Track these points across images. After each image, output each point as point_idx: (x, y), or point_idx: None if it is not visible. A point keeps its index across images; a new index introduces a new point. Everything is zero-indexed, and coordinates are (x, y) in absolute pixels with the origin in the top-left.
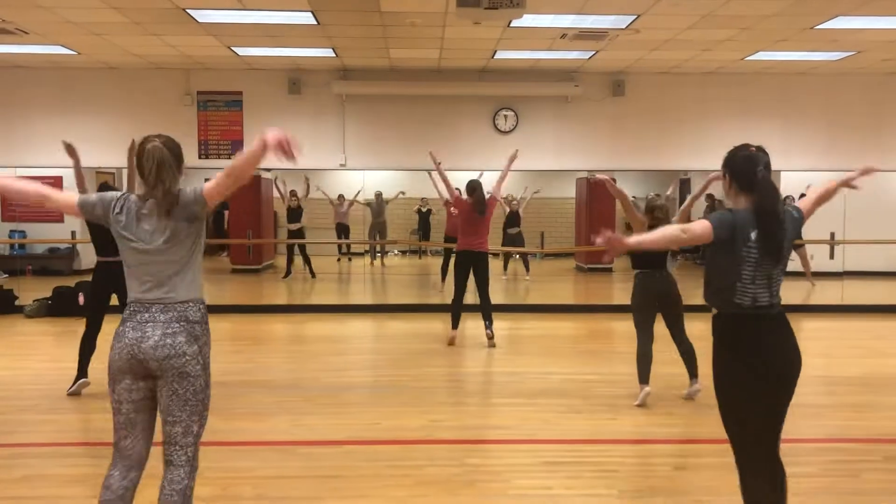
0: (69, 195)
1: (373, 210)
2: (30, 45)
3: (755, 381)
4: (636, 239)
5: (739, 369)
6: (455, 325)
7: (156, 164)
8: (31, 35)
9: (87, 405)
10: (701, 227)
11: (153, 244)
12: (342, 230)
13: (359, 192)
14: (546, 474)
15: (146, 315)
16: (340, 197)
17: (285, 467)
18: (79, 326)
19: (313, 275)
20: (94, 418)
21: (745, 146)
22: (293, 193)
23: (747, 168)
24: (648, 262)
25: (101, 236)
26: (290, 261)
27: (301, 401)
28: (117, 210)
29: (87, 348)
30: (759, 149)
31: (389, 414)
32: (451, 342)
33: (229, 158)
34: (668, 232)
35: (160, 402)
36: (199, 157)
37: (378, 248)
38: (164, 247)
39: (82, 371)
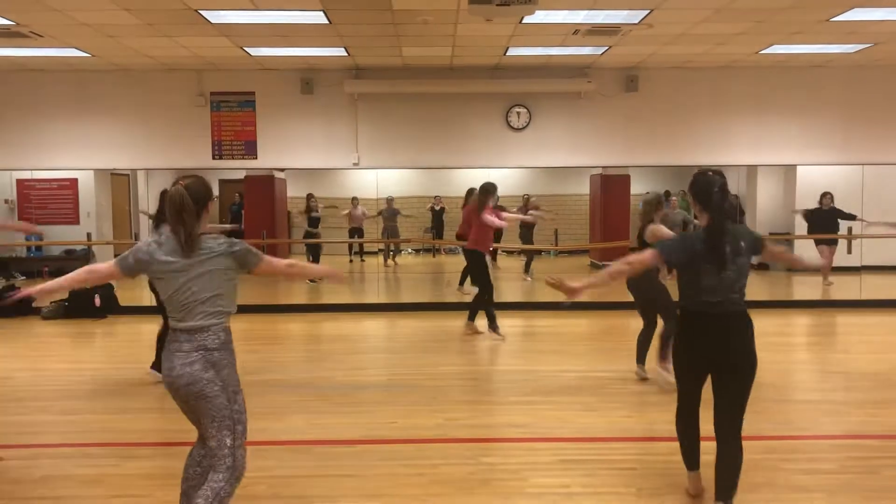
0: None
1: (384, 215)
2: (44, 48)
3: (698, 360)
4: (587, 282)
5: (685, 349)
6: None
7: (175, 208)
8: (46, 38)
9: (105, 406)
10: (649, 255)
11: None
12: (356, 234)
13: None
14: (563, 472)
15: None
16: (354, 199)
17: (301, 466)
18: (95, 328)
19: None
20: (112, 419)
21: (705, 172)
22: (310, 197)
23: (705, 190)
24: None
25: None
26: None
27: (316, 400)
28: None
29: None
30: (717, 173)
31: (404, 413)
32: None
33: (243, 158)
34: (613, 269)
35: None
36: (213, 158)
37: (391, 247)
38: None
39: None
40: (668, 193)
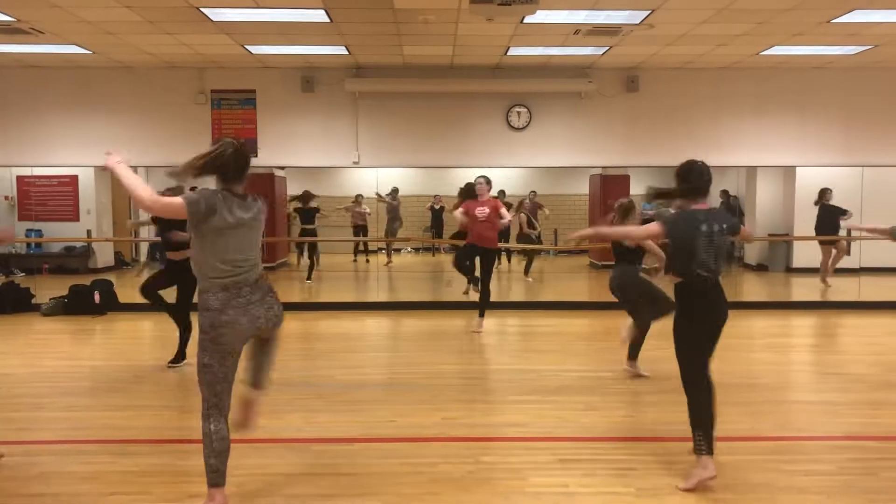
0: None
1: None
2: (45, 44)
3: (700, 325)
4: (592, 231)
5: (688, 321)
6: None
7: (243, 165)
8: (47, 35)
9: (104, 403)
10: (655, 227)
11: None
12: (360, 232)
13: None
14: (562, 472)
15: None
16: (358, 197)
17: (299, 464)
18: (95, 325)
19: (309, 277)
20: (111, 416)
21: (696, 161)
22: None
23: (702, 177)
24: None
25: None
26: (310, 263)
27: (314, 398)
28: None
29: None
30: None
31: (403, 411)
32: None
33: None
34: (619, 231)
35: None
36: None
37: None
38: None
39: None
40: None
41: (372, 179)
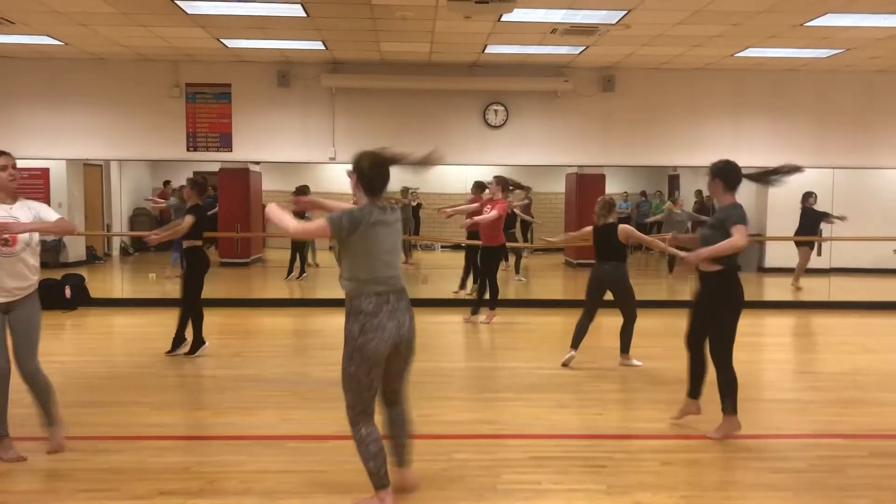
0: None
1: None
2: (16, 34)
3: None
4: (696, 254)
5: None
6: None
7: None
8: (18, 25)
9: (73, 399)
10: (744, 232)
11: None
12: None
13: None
14: (534, 469)
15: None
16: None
17: (273, 462)
18: (65, 319)
19: (290, 272)
20: (80, 412)
21: (729, 160)
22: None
23: (739, 174)
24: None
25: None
26: (302, 259)
27: (289, 395)
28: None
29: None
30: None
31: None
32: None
33: (218, 151)
34: (709, 250)
35: None
36: (188, 150)
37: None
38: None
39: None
40: (643, 193)
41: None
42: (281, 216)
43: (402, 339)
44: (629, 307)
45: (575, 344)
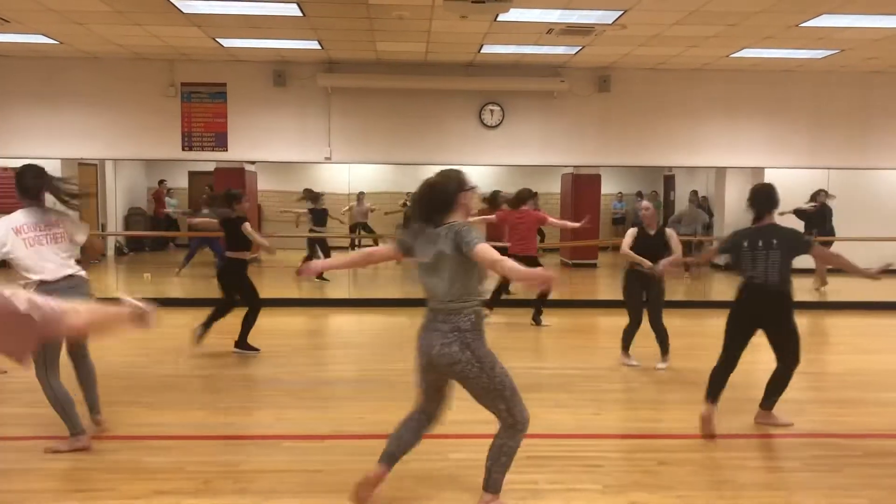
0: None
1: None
2: (10, 33)
3: None
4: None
5: None
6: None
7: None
8: (12, 23)
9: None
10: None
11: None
12: (359, 229)
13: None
14: (531, 469)
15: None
16: (361, 195)
17: (268, 461)
18: None
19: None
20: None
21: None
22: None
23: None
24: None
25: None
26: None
27: (284, 395)
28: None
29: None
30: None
31: (373, 408)
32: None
33: (213, 150)
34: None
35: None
36: (183, 149)
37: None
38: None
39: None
40: (640, 194)
41: (344, 176)
42: (514, 268)
43: (432, 363)
44: (637, 311)
45: (625, 347)
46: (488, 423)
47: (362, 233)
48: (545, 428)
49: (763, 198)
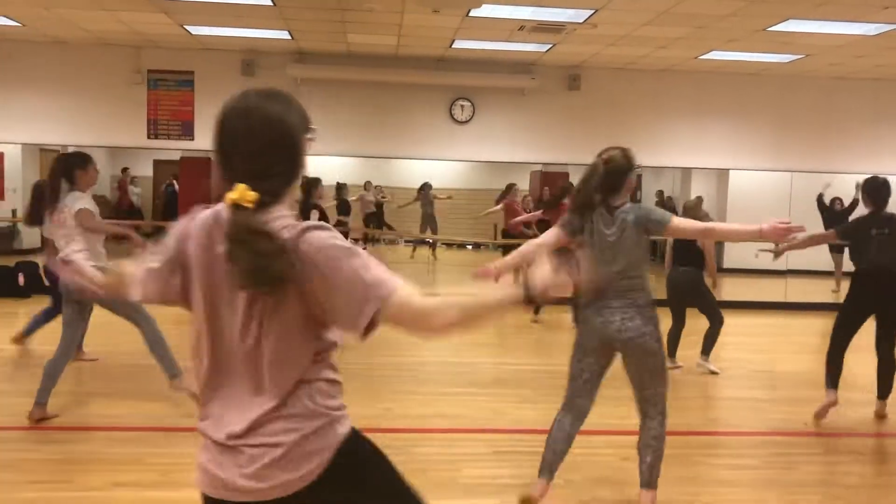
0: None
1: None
2: None
3: None
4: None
5: None
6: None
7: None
8: None
9: (25, 388)
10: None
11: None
12: (373, 220)
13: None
14: (496, 463)
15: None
16: (367, 184)
17: None
18: (18, 307)
19: None
20: (30, 401)
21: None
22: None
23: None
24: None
25: None
26: None
27: None
28: None
29: None
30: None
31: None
32: None
33: (179, 139)
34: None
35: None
36: (148, 137)
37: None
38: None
39: None
40: None
41: (313, 168)
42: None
43: (611, 337)
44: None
45: (671, 353)
46: (453, 417)
47: (374, 228)
48: (510, 423)
49: (887, 189)
